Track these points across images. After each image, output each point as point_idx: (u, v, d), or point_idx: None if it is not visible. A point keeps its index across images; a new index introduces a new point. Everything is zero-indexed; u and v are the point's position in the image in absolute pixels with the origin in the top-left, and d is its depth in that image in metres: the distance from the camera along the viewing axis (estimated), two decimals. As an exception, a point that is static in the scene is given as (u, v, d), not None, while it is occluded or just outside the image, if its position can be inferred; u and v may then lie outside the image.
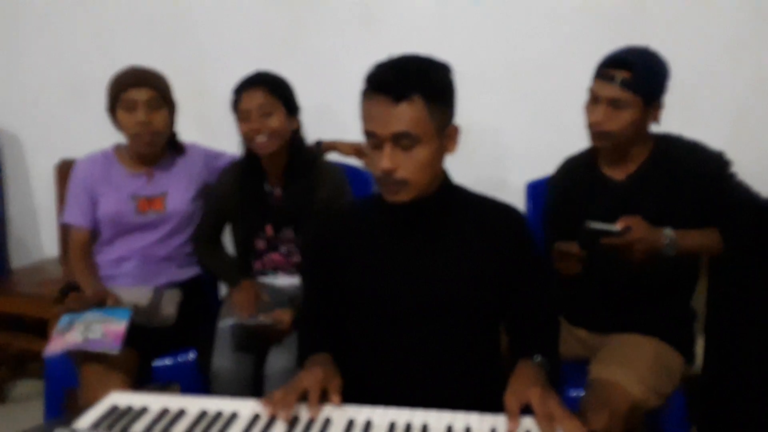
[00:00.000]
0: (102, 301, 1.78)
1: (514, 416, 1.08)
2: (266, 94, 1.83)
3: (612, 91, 1.53)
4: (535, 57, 2.32)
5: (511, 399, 1.11)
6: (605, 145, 1.61)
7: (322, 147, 2.23)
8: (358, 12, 2.42)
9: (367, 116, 1.19)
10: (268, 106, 1.82)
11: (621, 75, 1.52)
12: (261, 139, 1.83)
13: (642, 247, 1.48)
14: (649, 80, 1.54)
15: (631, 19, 2.22)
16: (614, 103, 1.53)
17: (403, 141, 1.15)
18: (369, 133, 1.18)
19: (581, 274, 1.60)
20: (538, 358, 1.24)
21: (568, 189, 1.77)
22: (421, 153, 1.17)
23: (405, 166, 1.16)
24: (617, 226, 1.49)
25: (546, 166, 1.91)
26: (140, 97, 1.85)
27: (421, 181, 1.19)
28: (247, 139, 1.86)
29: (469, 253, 1.26)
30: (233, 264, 2.04)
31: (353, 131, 1.71)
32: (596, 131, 1.58)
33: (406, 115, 1.14)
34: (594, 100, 1.58)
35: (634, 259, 1.49)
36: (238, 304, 1.86)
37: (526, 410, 1.10)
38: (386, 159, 1.15)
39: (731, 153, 1.63)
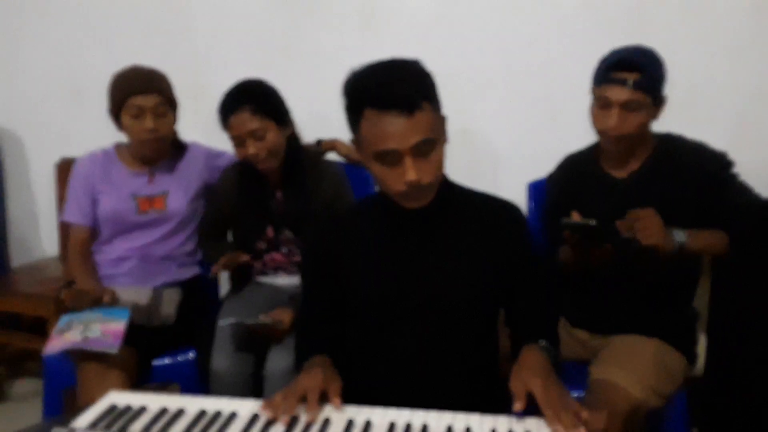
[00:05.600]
0: (99, 298, 1.78)
1: (521, 397, 1.07)
2: (254, 115, 1.77)
3: (625, 93, 1.50)
4: (535, 59, 2.32)
5: (516, 384, 1.11)
6: (620, 148, 1.59)
7: (322, 146, 2.22)
8: (357, 13, 2.41)
9: (379, 136, 1.12)
10: (260, 130, 1.77)
11: (632, 77, 1.50)
12: (261, 162, 1.81)
13: (650, 227, 1.45)
14: (657, 79, 1.54)
15: (631, 21, 2.22)
16: (628, 106, 1.52)
17: (423, 148, 1.14)
18: (385, 152, 1.13)
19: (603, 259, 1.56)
20: (543, 342, 1.23)
21: (569, 187, 1.76)
22: (437, 154, 1.17)
23: (427, 171, 1.16)
24: (592, 221, 1.48)
25: (546, 168, 1.90)
26: (147, 103, 1.83)
27: (439, 180, 1.21)
28: (246, 160, 1.83)
29: (469, 251, 1.26)
30: (231, 248, 2.02)
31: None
32: (612, 136, 1.56)
33: (422, 123, 1.12)
34: (604, 105, 1.54)
35: (648, 246, 1.45)
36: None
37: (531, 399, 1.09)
38: (411, 171, 1.13)
39: (732, 154, 1.63)
